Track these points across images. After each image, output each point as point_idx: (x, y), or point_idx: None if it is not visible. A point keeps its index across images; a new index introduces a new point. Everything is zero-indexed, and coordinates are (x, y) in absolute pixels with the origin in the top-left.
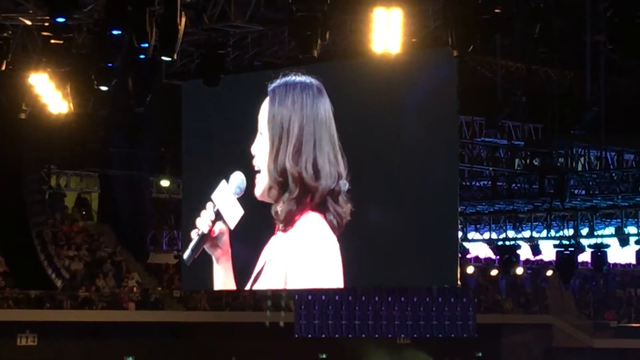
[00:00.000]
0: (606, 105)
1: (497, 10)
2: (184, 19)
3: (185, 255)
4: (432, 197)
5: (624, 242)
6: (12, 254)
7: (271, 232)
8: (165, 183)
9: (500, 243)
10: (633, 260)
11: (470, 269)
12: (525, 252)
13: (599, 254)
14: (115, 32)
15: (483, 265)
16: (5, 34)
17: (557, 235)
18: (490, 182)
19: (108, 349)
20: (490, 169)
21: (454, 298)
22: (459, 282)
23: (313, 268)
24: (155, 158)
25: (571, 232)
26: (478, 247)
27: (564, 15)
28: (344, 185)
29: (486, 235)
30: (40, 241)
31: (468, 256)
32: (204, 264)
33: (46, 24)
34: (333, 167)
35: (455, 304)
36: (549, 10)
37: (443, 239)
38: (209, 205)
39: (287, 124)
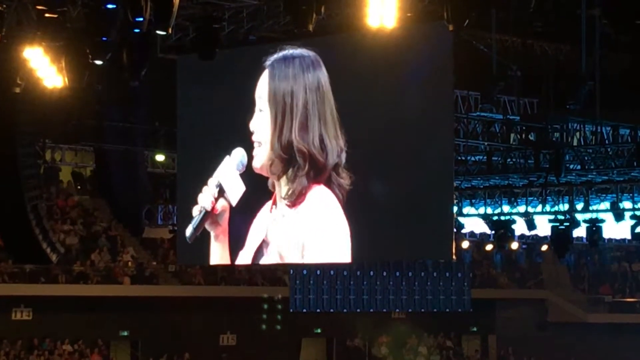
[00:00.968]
0: (601, 79)
1: None
2: None
3: (188, 232)
4: (427, 172)
5: (619, 217)
6: (6, 228)
7: (268, 206)
8: (160, 157)
9: (495, 218)
10: (628, 235)
11: (465, 244)
12: (520, 227)
13: (594, 228)
14: (110, 6)
15: (478, 240)
16: None
17: (552, 210)
18: (485, 157)
19: (103, 324)
20: (486, 143)
21: (448, 273)
22: (454, 257)
23: (330, 242)
24: (150, 132)
25: (566, 207)
26: (473, 222)
27: None
28: (343, 157)
29: (481, 210)
30: (35, 215)
31: (463, 231)
32: (199, 239)
33: None
34: (335, 141)
35: (450, 278)
36: None
37: (438, 213)
38: (210, 181)
39: (289, 99)
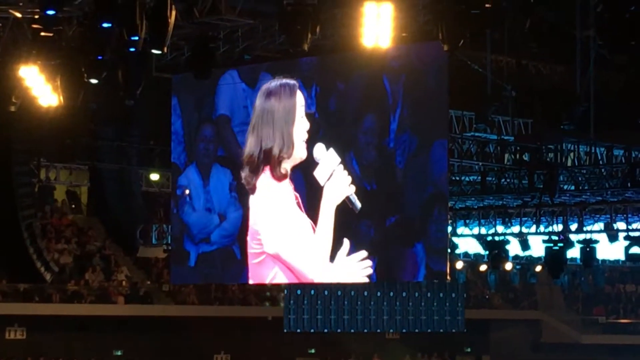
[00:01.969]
0: (596, 100)
1: (487, 5)
2: (174, 12)
3: None
4: (422, 192)
5: (612, 237)
6: (1, 246)
7: None
8: (154, 176)
9: (489, 238)
10: (622, 256)
11: (459, 264)
12: (514, 248)
13: (588, 249)
14: (105, 25)
15: (472, 260)
16: None
17: (546, 230)
18: (479, 177)
19: (97, 343)
20: (480, 163)
21: (442, 293)
22: (448, 277)
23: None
24: (145, 151)
25: (560, 227)
26: (467, 242)
27: (554, 10)
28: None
29: (475, 230)
30: (29, 234)
31: (457, 251)
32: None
33: (36, 16)
34: None
35: (444, 299)
36: (539, 5)
37: (432, 234)
38: None
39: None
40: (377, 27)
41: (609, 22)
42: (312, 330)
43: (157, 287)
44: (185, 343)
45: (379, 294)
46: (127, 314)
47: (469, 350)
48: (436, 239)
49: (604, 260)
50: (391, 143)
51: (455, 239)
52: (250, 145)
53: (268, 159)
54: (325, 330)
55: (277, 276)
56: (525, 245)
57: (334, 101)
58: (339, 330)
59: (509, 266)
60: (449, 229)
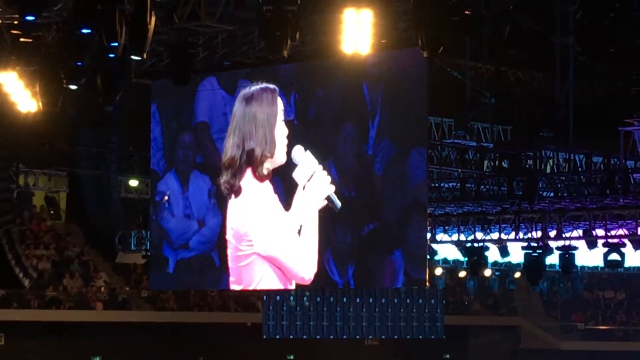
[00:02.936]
0: (575, 107)
1: (466, 12)
2: (153, 18)
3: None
4: (400, 198)
5: (591, 244)
6: None
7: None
8: (133, 183)
9: (468, 244)
10: (601, 263)
11: (438, 271)
12: (493, 254)
13: (566, 256)
14: (84, 31)
15: (451, 266)
16: None
17: (525, 237)
18: (459, 184)
19: (75, 349)
20: (459, 170)
21: (422, 299)
22: (427, 283)
23: None
24: (123, 158)
25: (539, 234)
26: (446, 249)
27: (533, 17)
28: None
29: (455, 237)
30: (7, 240)
31: (436, 257)
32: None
33: (15, 22)
34: None
35: (423, 305)
36: (519, 12)
37: (412, 240)
38: None
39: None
40: (356, 34)
41: (588, 29)
42: (291, 337)
43: (136, 293)
44: (165, 349)
45: (357, 300)
46: (106, 320)
47: (447, 356)
48: (415, 245)
49: (582, 267)
50: (370, 150)
51: (434, 246)
52: (231, 148)
53: (250, 160)
54: (304, 337)
55: (263, 279)
56: (504, 252)
57: (313, 108)
58: (318, 337)
59: (488, 272)
60: (428, 235)
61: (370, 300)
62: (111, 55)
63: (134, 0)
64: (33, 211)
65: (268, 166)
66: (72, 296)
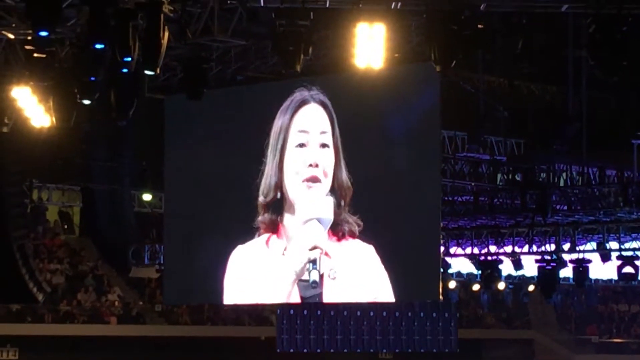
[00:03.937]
0: (588, 120)
1: (479, 26)
2: (167, 33)
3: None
4: (414, 212)
5: (605, 257)
6: None
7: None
8: (147, 197)
9: (482, 258)
10: (614, 276)
11: (452, 284)
12: (507, 267)
13: (580, 269)
14: (98, 46)
15: (465, 280)
16: None
17: (539, 250)
18: (472, 198)
19: None
20: (473, 184)
21: (436, 313)
22: (441, 297)
23: None
24: (137, 172)
25: (553, 247)
26: (460, 262)
27: (546, 30)
28: None
29: (468, 250)
30: (21, 255)
31: (450, 271)
32: (185, 277)
33: (29, 37)
34: None
35: (437, 318)
36: (531, 25)
37: (425, 254)
38: None
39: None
40: (369, 48)
41: (601, 42)
42: (305, 350)
43: (149, 308)
44: None
45: (371, 313)
46: (120, 334)
47: None
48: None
49: (596, 280)
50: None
51: (448, 259)
52: None
53: None
54: (318, 350)
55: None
56: (518, 265)
57: None
58: (331, 350)
59: (501, 286)
60: (442, 248)
61: (384, 313)
62: (124, 71)
63: (147, 16)
64: (47, 226)
65: None
66: (85, 310)
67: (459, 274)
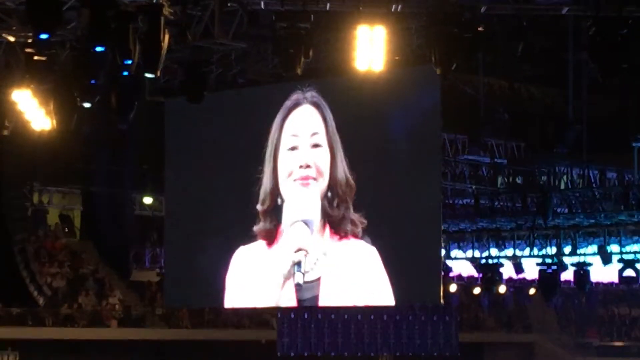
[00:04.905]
0: (588, 123)
1: (480, 29)
2: (167, 36)
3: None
4: (415, 215)
5: (606, 260)
6: None
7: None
8: (148, 200)
9: (483, 261)
10: (615, 279)
11: (453, 287)
12: (508, 270)
13: (581, 272)
14: (98, 49)
15: (466, 283)
16: None
17: (540, 253)
18: (473, 200)
19: None
20: (473, 187)
21: (436, 316)
22: (441, 300)
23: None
24: (138, 175)
25: (554, 250)
26: (461, 265)
27: (546, 33)
28: None
29: (469, 253)
30: (22, 258)
31: (451, 274)
32: (186, 281)
33: (29, 40)
34: None
35: (437, 322)
36: (532, 28)
37: (426, 257)
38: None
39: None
40: (370, 51)
41: (601, 45)
42: (305, 354)
43: (150, 311)
44: None
45: (372, 317)
46: (121, 338)
47: None
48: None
49: (597, 283)
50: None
51: (448, 262)
52: None
53: None
54: (319, 353)
55: None
56: (518, 268)
57: None
58: (332, 354)
59: (502, 289)
60: (443, 252)
61: (385, 316)
62: (125, 73)
63: (148, 19)
64: (47, 229)
65: None
66: (86, 314)
67: (459, 277)
